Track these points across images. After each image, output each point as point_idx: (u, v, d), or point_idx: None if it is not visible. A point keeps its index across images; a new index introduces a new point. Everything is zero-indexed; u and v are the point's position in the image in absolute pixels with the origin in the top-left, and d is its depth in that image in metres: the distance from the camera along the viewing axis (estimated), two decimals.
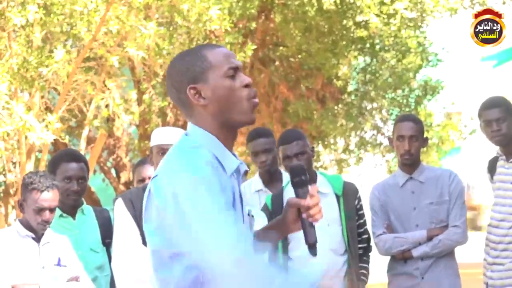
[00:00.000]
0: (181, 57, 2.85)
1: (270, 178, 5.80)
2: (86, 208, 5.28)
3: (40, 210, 4.69)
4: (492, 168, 5.56)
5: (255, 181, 5.87)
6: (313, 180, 5.40)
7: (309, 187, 2.86)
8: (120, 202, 4.76)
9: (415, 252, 5.42)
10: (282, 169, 5.86)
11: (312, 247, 2.83)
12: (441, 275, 5.44)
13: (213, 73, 2.79)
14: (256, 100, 2.81)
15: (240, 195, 2.84)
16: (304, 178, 2.87)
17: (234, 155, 2.80)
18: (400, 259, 5.49)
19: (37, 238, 4.78)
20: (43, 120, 8.32)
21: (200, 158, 2.67)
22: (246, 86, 2.79)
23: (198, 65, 2.80)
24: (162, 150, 4.74)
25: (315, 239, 2.83)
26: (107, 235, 5.14)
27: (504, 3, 11.80)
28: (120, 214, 4.74)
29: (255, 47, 10.19)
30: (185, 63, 2.82)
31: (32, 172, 4.89)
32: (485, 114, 5.39)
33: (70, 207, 5.17)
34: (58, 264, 4.78)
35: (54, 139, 8.88)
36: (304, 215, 2.85)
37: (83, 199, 5.29)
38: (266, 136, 5.74)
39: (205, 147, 2.74)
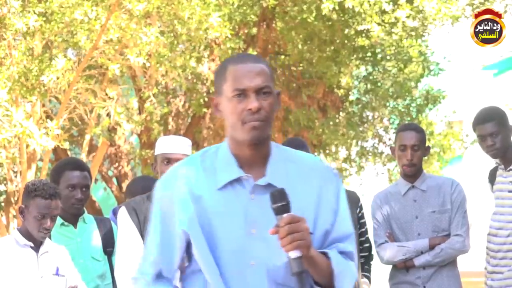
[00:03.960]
0: (219, 66, 2.91)
1: None
2: (87, 217, 5.27)
3: (42, 217, 4.67)
4: (492, 178, 5.55)
5: None
6: None
7: (283, 216, 2.60)
8: (123, 210, 4.72)
9: (417, 261, 5.40)
10: None
11: (295, 278, 2.60)
12: (443, 284, 5.41)
13: (226, 88, 2.79)
14: (253, 123, 2.75)
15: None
16: (278, 205, 2.62)
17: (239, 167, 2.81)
18: (402, 268, 5.45)
19: (36, 248, 4.76)
20: (44, 128, 8.29)
21: (174, 173, 2.88)
22: (249, 110, 2.75)
23: (219, 78, 2.83)
24: (167, 159, 4.70)
25: (295, 270, 2.58)
26: (109, 244, 5.13)
27: (505, 11, 11.79)
28: (124, 223, 4.71)
29: (255, 53, 10.16)
30: (216, 73, 2.87)
31: (36, 180, 4.90)
32: (479, 129, 5.37)
33: (71, 216, 5.15)
34: (57, 274, 4.77)
35: (55, 148, 8.85)
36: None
37: (84, 208, 5.28)
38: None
39: (210, 155, 2.85)
